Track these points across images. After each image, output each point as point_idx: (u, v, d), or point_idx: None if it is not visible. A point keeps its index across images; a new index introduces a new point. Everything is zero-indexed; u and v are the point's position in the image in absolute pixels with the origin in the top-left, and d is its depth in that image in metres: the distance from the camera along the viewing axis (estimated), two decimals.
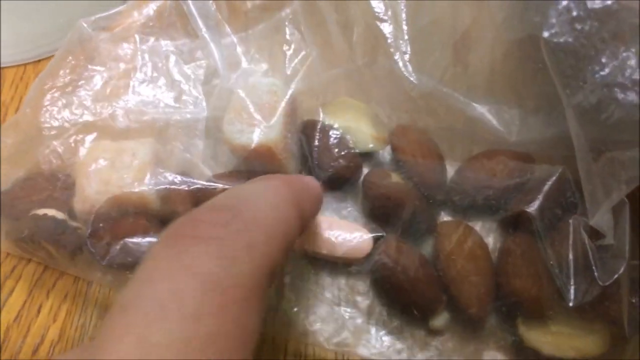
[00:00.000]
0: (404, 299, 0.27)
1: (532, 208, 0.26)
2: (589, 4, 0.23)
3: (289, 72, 0.32)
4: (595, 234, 0.25)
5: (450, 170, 0.30)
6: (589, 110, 0.24)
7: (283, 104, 0.29)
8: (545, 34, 0.24)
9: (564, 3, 0.23)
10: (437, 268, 0.27)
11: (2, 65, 0.39)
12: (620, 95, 0.22)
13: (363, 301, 0.28)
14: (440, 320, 0.27)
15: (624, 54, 0.22)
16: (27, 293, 0.30)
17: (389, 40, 0.29)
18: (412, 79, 0.28)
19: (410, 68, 0.28)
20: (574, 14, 0.23)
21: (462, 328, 0.27)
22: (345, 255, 0.27)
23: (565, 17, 0.24)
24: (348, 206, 0.31)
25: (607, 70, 0.22)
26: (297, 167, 0.31)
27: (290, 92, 0.30)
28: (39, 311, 0.30)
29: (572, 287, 0.25)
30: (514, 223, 0.27)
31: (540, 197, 0.26)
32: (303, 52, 0.32)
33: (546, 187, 0.27)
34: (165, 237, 0.17)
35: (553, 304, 0.25)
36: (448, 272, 0.27)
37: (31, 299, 0.30)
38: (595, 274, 0.24)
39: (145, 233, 0.27)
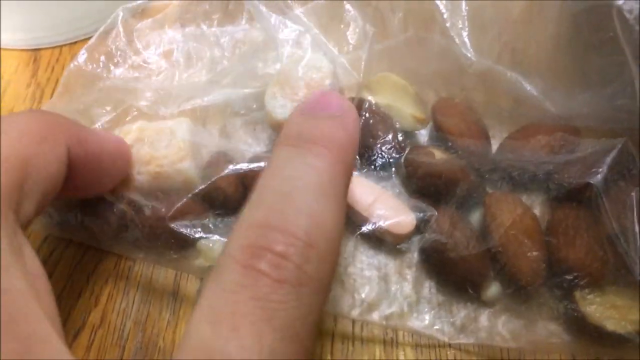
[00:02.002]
0: (456, 274, 0.28)
1: (597, 179, 0.26)
2: None
3: (336, 49, 0.32)
4: None
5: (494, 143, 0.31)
6: None
7: (328, 81, 0.29)
8: (620, 2, 0.23)
9: None
10: (489, 242, 0.27)
11: (38, 47, 0.39)
12: None
13: (411, 275, 0.29)
14: (493, 291, 0.27)
15: None
16: (67, 277, 0.30)
17: (445, 16, 0.28)
18: (469, 55, 0.29)
19: (468, 45, 0.29)
20: None
21: (513, 300, 0.28)
22: (388, 227, 0.28)
23: None
24: (392, 186, 0.31)
25: None
26: None
27: (333, 68, 0.30)
28: (79, 295, 0.30)
29: (639, 261, 0.25)
30: (572, 195, 0.28)
31: (604, 168, 0.26)
32: (353, 28, 0.32)
33: (609, 158, 0.27)
34: (239, 267, 0.18)
35: (617, 277, 0.26)
36: (508, 247, 0.27)
37: (71, 283, 0.30)
38: None
39: (190, 213, 0.28)
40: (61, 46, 0.39)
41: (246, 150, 0.30)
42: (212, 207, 0.29)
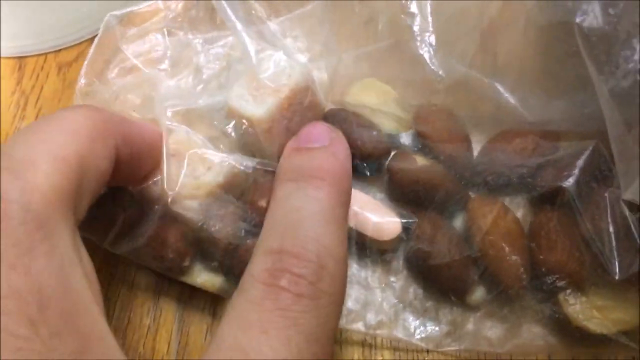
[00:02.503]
0: (439, 281, 0.28)
1: (569, 183, 0.27)
2: None
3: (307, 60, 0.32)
4: (635, 206, 0.25)
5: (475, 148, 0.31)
6: (622, 94, 0.24)
7: (286, 88, 0.29)
8: (578, 19, 0.24)
9: None
10: (472, 247, 0.28)
11: (22, 55, 0.39)
12: None
13: (397, 282, 0.29)
14: (477, 295, 0.28)
15: None
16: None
17: (415, 33, 0.29)
18: (440, 72, 0.29)
19: (436, 61, 0.29)
20: None
21: (497, 305, 0.28)
22: (373, 234, 0.28)
23: (598, 2, 0.23)
24: (375, 191, 0.31)
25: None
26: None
27: (299, 76, 0.29)
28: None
29: (617, 260, 0.25)
30: (546, 198, 0.28)
31: (576, 171, 0.27)
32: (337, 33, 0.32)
33: (581, 161, 0.27)
34: (263, 285, 0.21)
35: (596, 278, 0.26)
36: (487, 252, 0.27)
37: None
38: (639, 244, 0.25)
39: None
40: (46, 54, 0.39)
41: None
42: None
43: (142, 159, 0.26)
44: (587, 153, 0.27)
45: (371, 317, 0.29)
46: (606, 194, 0.26)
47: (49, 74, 0.38)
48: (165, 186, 0.27)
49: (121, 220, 0.28)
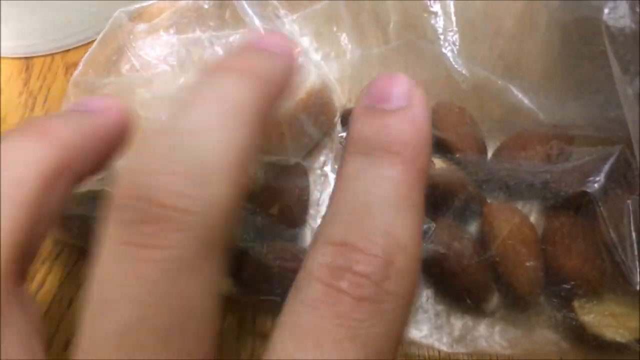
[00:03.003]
0: (455, 285, 0.28)
1: (593, 188, 0.26)
2: None
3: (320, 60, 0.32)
4: None
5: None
6: None
7: (302, 90, 0.28)
8: (606, 17, 0.23)
9: None
10: (487, 252, 0.27)
11: (30, 55, 0.39)
12: None
13: None
14: (494, 301, 0.27)
15: None
16: (58, 286, 0.30)
17: (437, 26, 0.28)
18: (463, 70, 0.28)
19: (460, 60, 0.29)
20: None
21: (511, 309, 0.28)
22: None
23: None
24: None
25: None
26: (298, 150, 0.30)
27: (314, 77, 0.29)
28: (69, 305, 0.29)
29: (638, 270, 0.25)
30: (565, 204, 0.28)
31: (601, 176, 0.26)
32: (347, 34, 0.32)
33: (606, 166, 0.26)
34: (320, 284, 0.18)
35: (614, 285, 0.26)
36: (504, 257, 0.27)
37: (62, 292, 0.29)
38: None
39: None
40: (53, 54, 0.39)
41: None
42: None
43: (108, 149, 0.23)
44: (613, 158, 0.27)
45: None
46: (629, 201, 0.25)
47: (56, 75, 0.38)
48: None
49: None
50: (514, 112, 0.30)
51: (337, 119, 0.33)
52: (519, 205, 0.29)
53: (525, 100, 0.29)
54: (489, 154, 0.31)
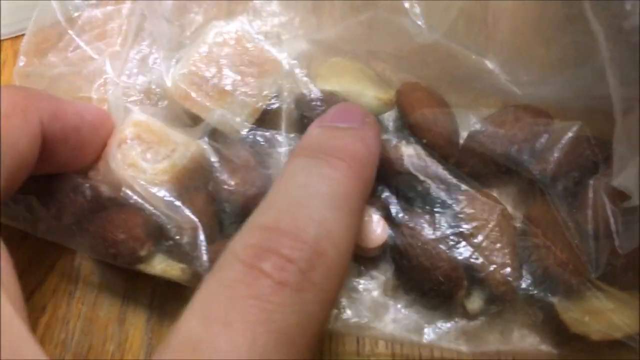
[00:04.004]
0: (427, 280, 0.26)
1: (543, 172, 0.25)
2: None
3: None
4: (618, 196, 0.23)
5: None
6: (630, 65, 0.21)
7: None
8: None
9: None
10: (461, 248, 0.26)
11: None
12: None
13: (382, 280, 0.27)
14: (475, 302, 0.26)
15: None
16: None
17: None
18: (419, 22, 0.26)
19: (418, 11, 0.26)
20: None
21: (489, 307, 0.26)
22: (359, 242, 0.26)
23: None
24: None
25: None
26: None
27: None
28: None
29: (594, 257, 0.23)
30: (534, 190, 0.26)
31: (553, 158, 0.25)
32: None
33: (560, 147, 0.25)
34: (242, 265, 0.17)
35: (585, 278, 0.24)
36: (479, 253, 0.25)
37: None
38: (616, 241, 0.23)
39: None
40: (2, 40, 0.37)
41: None
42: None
43: (82, 140, 0.25)
44: (568, 137, 0.25)
45: (353, 316, 0.26)
46: (590, 182, 0.24)
47: (5, 63, 0.36)
48: (120, 171, 0.25)
49: (69, 208, 0.26)
50: (488, 86, 0.28)
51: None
52: (494, 191, 0.28)
53: (500, 76, 0.27)
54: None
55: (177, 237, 0.25)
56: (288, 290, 0.17)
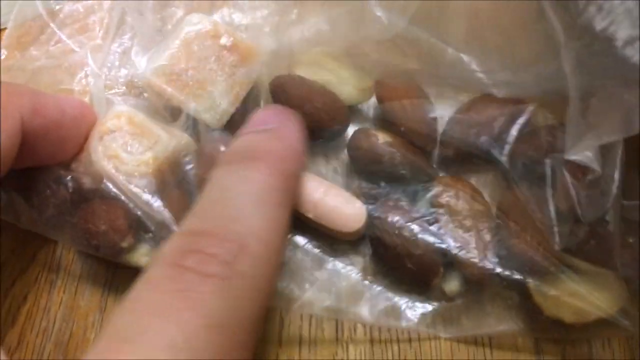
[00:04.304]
0: (404, 267, 0.26)
1: (502, 152, 0.25)
2: None
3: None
4: (579, 170, 0.24)
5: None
6: (587, 62, 0.21)
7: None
8: None
9: None
10: (437, 233, 0.26)
11: None
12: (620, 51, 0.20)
13: (361, 265, 0.27)
14: (452, 284, 0.26)
15: (628, 3, 0.20)
16: None
17: None
18: (383, 18, 0.26)
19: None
20: None
21: (466, 288, 0.26)
22: (334, 226, 0.26)
23: None
24: (334, 165, 0.29)
25: (606, 19, 0.20)
26: None
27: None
28: None
29: (556, 229, 0.24)
30: (521, 176, 0.26)
31: (510, 139, 0.26)
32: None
33: (516, 128, 0.26)
34: (166, 265, 0.18)
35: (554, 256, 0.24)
36: (454, 239, 0.26)
37: None
38: (579, 212, 0.23)
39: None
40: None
41: None
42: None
43: (64, 134, 0.25)
44: (522, 119, 0.26)
45: (328, 299, 0.27)
46: (547, 160, 0.24)
47: None
48: (101, 163, 0.26)
49: (51, 200, 0.26)
50: (464, 80, 0.28)
51: None
52: (473, 177, 0.28)
53: (477, 71, 0.27)
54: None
55: (155, 231, 0.26)
56: (213, 279, 0.17)
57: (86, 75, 0.30)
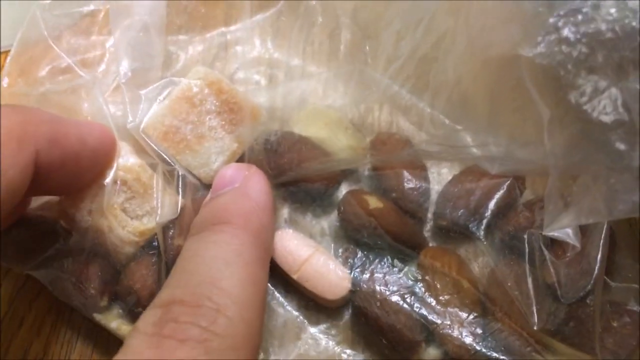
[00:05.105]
0: (381, 338, 0.26)
1: (478, 228, 0.26)
2: (582, 27, 0.20)
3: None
4: (560, 248, 0.24)
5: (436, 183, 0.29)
6: (574, 143, 0.21)
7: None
8: (527, 52, 0.21)
9: (552, 20, 0.21)
10: (420, 307, 0.25)
11: None
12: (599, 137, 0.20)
13: (338, 329, 0.27)
14: (429, 356, 0.25)
15: (612, 90, 0.20)
16: (8, 305, 0.29)
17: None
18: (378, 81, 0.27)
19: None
20: (564, 34, 0.20)
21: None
22: (319, 292, 0.26)
23: (552, 37, 0.21)
24: (323, 225, 0.29)
25: (590, 104, 0.20)
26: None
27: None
28: (20, 324, 0.29)
29: (535, 308, 0.24)
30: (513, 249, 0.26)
31: (487, 214, 0.26)
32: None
33: (491, 203, 0.26)
34: (145, 335, 0.18)
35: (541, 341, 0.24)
36: (438, 315, 0.25)
37: (12, 310, 0.29)
38: (559, 291, 0.24)
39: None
40: (5, 52, 0.36)
41: None
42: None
43: (82, 165, 0.24)
44: (500, 193, 0.26)
45: None
46: (525, 236, 0.24)
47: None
48: (98, 217, 0.25)
49: (50, 248, 0.27)
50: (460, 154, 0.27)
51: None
52: (462, 248, 0.28)
53: (474, 148, 0.26)
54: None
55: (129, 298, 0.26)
56: (191, 342, 0.18)
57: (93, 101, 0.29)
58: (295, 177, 0.28)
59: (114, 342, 0.28)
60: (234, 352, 0.18)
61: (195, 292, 0.19)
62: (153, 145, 0.27)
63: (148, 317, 0.19)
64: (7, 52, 0.34)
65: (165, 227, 0.26)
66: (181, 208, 0.27)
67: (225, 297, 0.19)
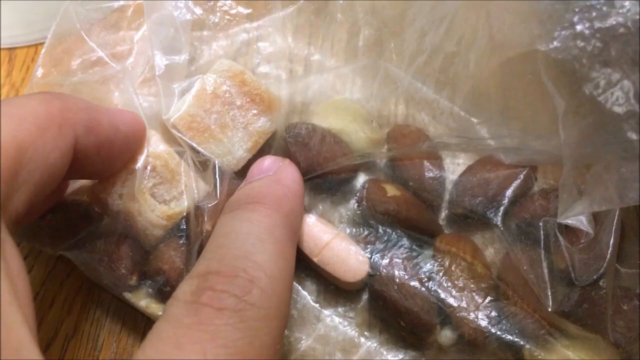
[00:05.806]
0: (402, 321, 0.26)
1: (495, 215, 0.26)
2: (597, 23, 0.21)
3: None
4: (575, 234, 0.25)
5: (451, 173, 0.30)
6: (588, 133, 0.22)
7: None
8: (544, 47, 0.22)
9: (568, 16, 0.22)
10: (436, 291, 0.26)
11: (12, 46, 0.38)
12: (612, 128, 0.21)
13: (356, 312, 0.28)
14: (447, 337, 0.26)
15: (625, 82, 0.21)
16: (40, 285, 0.30)
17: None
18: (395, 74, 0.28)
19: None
20: (579, 29, 0.21)
21: (461, 349, 0.26)
22: (338, 275, 0.27)
23: (568, 32, 0.22)
24: (342, 212, 0.30)
25: (603, 96, 0.21)
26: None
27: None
28: (52, 303, 0.29)
29: (549, 291, 0.24)
30: (526, 236, 0.27)
31: (504, 202, 0.27)
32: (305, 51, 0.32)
33: (508, 192, 0.27)
34: (183, 303, 0.19)
35: (554, 323, 0.25)
36: (453, 298, 0.26)
37: (44, 290, 0.30)
38: (573, 275, 0.24)
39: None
40: (37, 45, 0.38)
41: None
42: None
43: (115, 151, 0.25)
44: (517, 182, 0.27)
45: (330, 350, 0.27)
46: (540, 223, 0.25)
47: None
48: (129, 200, 0.26)
49: (83, 231, 0.28)
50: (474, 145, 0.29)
51: None
52: (477, 235, 0.28)
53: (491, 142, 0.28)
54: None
55: (158, 278, 0.27)
56: (228, 312, 0.19)
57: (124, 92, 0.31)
58: (323, 170, 0.29)
59: (142, 320, 0.29)
60: (267, 322, 0.19)
61: (230, 263, 0.20)
62: (183, 137, 0.28)
63: (186, 287, 0.20)
64: (41, 43, 0.36)
65: (195, 212, 0.27)
66: (212, 194, 0.28)
67: (258, 270, 0.20)
